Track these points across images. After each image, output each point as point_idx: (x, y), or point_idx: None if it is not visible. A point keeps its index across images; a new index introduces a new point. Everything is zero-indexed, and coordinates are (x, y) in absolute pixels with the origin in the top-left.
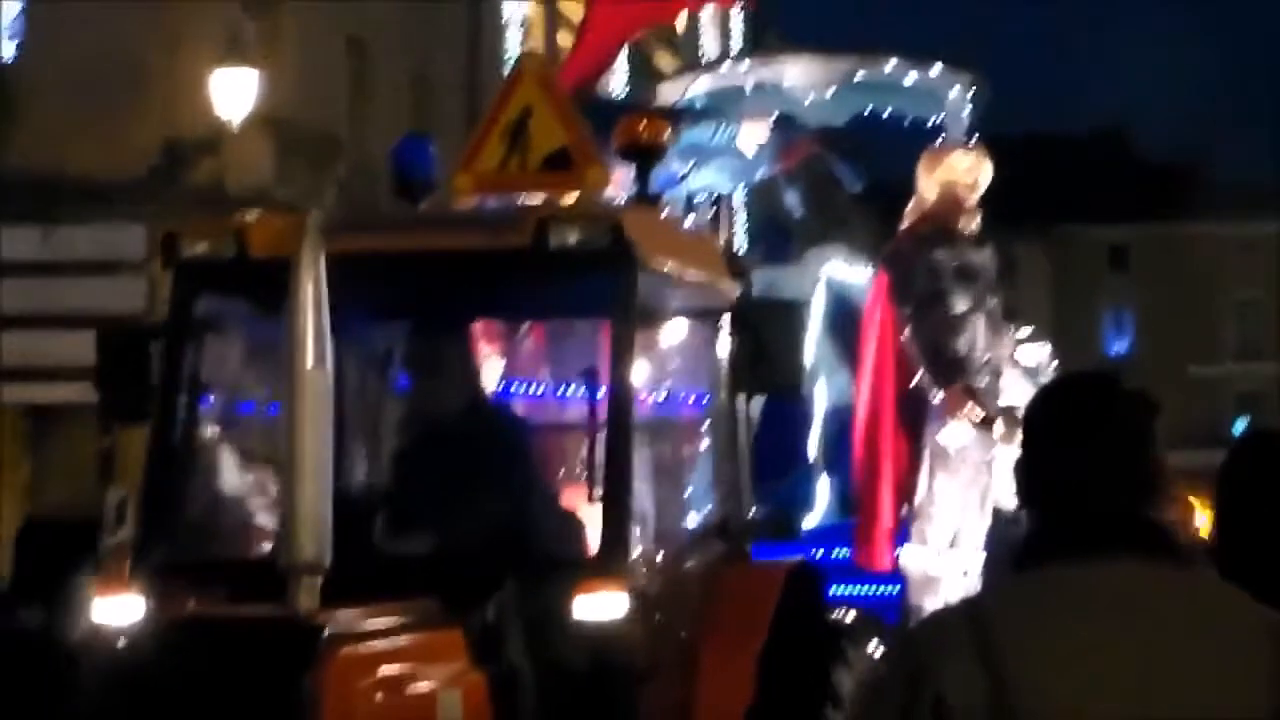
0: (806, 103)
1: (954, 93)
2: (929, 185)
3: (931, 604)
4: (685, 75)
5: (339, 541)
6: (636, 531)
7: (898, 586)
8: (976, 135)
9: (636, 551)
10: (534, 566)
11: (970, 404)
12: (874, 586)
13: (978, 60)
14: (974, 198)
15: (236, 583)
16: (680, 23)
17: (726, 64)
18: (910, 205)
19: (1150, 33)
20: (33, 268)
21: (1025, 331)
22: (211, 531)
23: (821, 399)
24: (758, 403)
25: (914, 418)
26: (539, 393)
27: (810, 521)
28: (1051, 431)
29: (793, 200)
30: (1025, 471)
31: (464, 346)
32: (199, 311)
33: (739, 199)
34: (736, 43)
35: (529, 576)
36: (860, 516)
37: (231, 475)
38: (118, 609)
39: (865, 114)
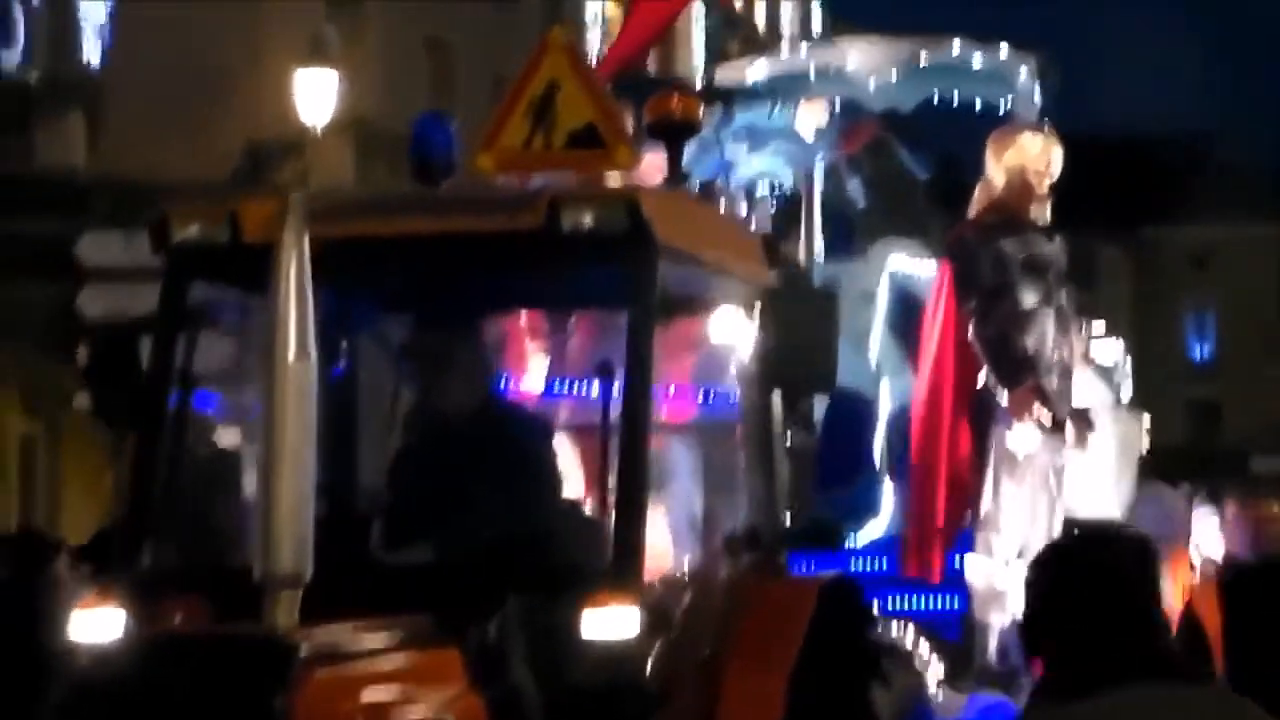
0: (871, 87)
1: (1023, 75)
2: (997, 170)
3: (997, 619)
4: (743, 60)
5: (334, 552)
6: (653, 541)
7: (958, 599)
8: (1047, 121)
9: (652, 563)
10: (541, 579)
11: (1038, 405)
12: (934, 599)
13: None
14: (1046, 183)
15: (228, 595)
16: (760, 22)
17: (785, 48)
18: (977, 191)
19: (1232, 36)
20: (114, 273)
21: (1099, 328)
22: (204, 538)
23: (886, 400)
24: (821, 404)
25: (979, 420)
26: (558, 389)
27: (875, 530)
28: (1068, 590)
29: (855, 188)
30: (1042, 624)
31: (473, 337)
32: (191, 300)
33: (817, 189)
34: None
35: (535, 590)
36: (911, 524)
37: (227, 477)
38: (94, 622)
39: (934, 99)
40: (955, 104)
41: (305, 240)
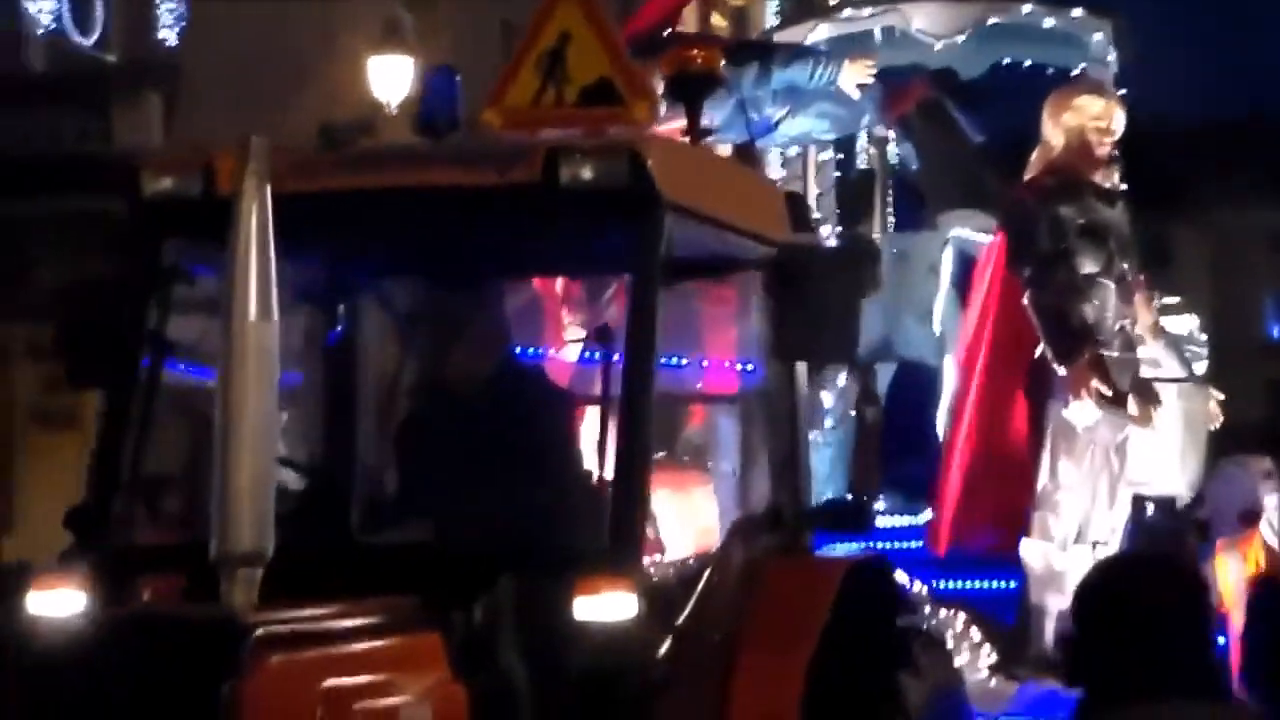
0: (936, 50)
1: (1097, 38)
2: (1055, 131)
3: (1054, 602)
4: (805, 23)
5: (318, 530)
6: (666, 520)
7: (1014, 581)
8: (1124, 90)
9: (662, 543)
10: (536, 561)
11: (1097, 378)
12: (990, 581)
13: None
14: (1107, 145)
15: (197, 572)
16: None
17: (847, 9)
18: (1035, 154)
19: None
20: None
21: (1172, 300)
22: (173, 512)
23: (950, 375)
24: (886, 374)
25: (1035, 394)
26: (571, 355)
27: None
28: (1110, 619)
29: (907, 152)
30: (1085, 650)
31: (474, 300)
32: (163, 258)
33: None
34: None
35: (529, 572)
36: (933, 498)
37: (200, 447)
38: (51, 600)
39: (1004, 64)
40: (1026, 69)
41: (267, 188)
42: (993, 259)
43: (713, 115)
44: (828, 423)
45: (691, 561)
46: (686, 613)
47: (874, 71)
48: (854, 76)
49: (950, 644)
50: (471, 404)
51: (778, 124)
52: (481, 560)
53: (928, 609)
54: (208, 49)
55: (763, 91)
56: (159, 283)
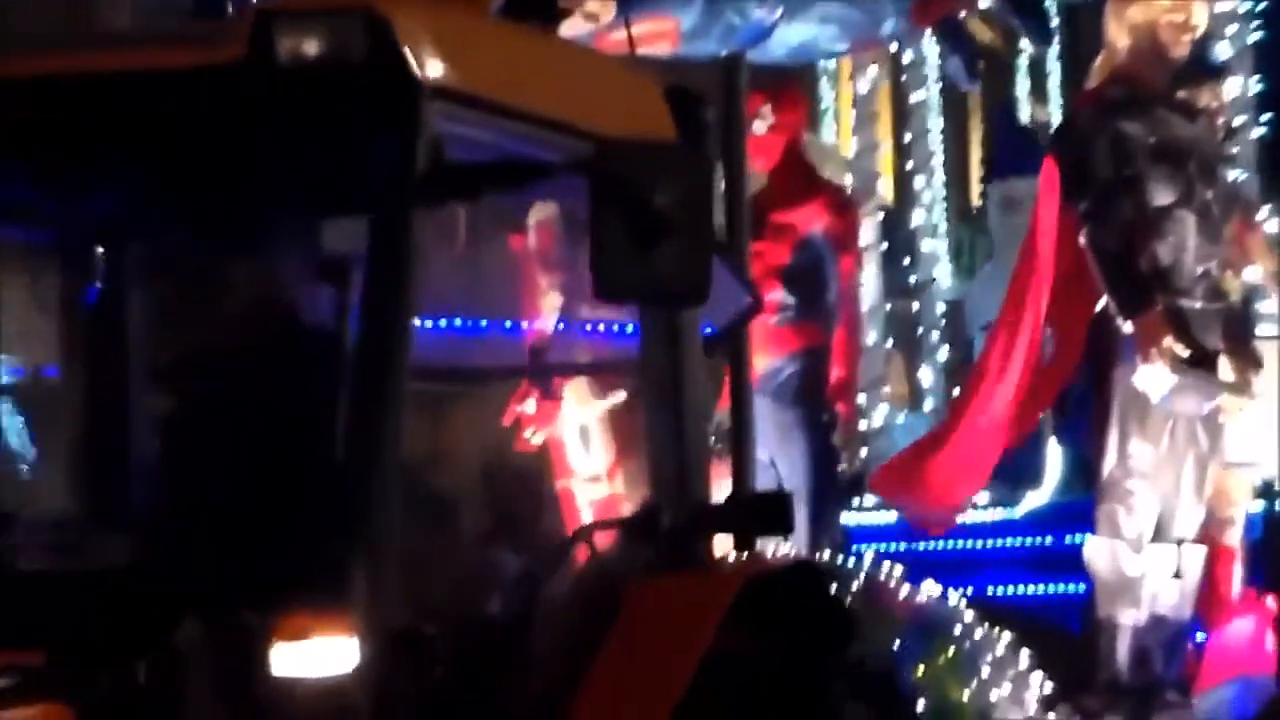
0: None
1: None
2: (1120, 31)
3: (1128, 616)
4: None
5: None
6: (417, 532)
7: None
8: None
9: (402, 563)
10: (230, 599)
11: (1171, 335)
12: (1056, 585)
13: None
14: (1183, 45)
15: None
16: None
17: None
18: (1098, 61)
19: None
20: None
21: None
22: None
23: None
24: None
25: (1097, 355)
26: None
27: (1037, 498)
28: None
29: (955, 69)
30: None
31: (206, 242)
32: None
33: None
34: None
35: (215, 613)
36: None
37: None
38: None
39: None
40: None
41: None
42: (1049, 194)
43: (679, 18)
44: (927, 403)
45: (484, 588)
46: (479, 659)
47: None
48: None
49: (986, 673)
50: (203, 389)
51: (771, 29)
52: (157, 599)
53: (959, 627)
54: None
55: None
56: None
